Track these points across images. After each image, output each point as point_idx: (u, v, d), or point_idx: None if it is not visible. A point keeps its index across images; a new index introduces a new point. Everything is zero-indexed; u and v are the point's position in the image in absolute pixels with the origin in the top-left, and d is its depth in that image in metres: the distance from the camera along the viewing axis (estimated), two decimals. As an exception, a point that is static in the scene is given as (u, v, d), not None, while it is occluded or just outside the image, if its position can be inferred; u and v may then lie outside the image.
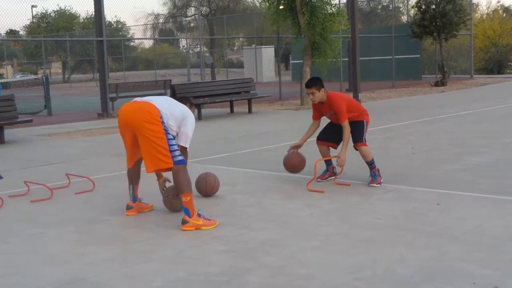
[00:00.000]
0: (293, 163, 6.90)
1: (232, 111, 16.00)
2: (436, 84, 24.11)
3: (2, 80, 33.11)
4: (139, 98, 5.68)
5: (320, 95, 6.66)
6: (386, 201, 5.94)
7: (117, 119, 5.72)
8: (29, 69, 50.74)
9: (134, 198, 5.91)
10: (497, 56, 35.14)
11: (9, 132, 12.46)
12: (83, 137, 12.07)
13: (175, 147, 5.33)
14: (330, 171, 7.06)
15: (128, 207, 5.87)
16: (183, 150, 5.54)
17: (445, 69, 24.87)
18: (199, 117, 14.37)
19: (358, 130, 6.75)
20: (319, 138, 7.03)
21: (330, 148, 7.01)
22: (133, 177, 5.94)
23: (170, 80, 18.95)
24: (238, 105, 17.08)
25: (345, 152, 6.55)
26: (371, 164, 6.71)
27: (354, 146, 6.80)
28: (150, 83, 18.97)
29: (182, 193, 5.25)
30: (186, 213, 5.21)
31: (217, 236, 4.97)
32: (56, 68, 55.15)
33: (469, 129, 10.96)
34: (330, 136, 6.94)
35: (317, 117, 6.98)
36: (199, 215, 5.25)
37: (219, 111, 16.50)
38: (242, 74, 36.31)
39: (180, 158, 5.31)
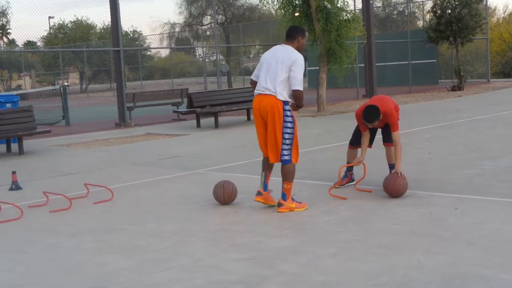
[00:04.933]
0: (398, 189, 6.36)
1: (248, 118, 16.03)
2: (453, 89, 23.98)
3: (20, 91, 33.41)
4: (260, 83, 6.06)
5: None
6: (403, 206, 5.93)
7: (253, 111, 6.23)
8: (46, 80, 51.16)
9: (265, 186, 6.21)
10: (515, 59, 34.91)
11: (27, 143, 12.59)
12: (101, 147, 12.17)
13: (286, 146, 5.94)
14: (348, 177, 7.05)
15: (258, 194, 6.17)
16: (297, 92, 5.95)
17: (462, 73, 24.73)
18: (216, 125, 14.43)
19: (389, 129, 6.73)
20: (352, 143, 6.99)
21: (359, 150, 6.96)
22: (267, 165, 6.25)
23: (187, 88, 19.04)
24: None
25: (399, 168, 6.42)
26: (393, 167, 6.67)
27: (383, 144, 6.79)
28: (167, 92, 19.08)
29: (285, 182, 5.98)
30: (283, 198, 5.95)
31: (235, 244, 4.99)
32: (73, 78, 55.58)
33: (486, 133, 10.90)
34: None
35: (365, 128, 6.74)
36: (293, 199, 6.00)
37: (236, 119, 16.55)
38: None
39: (286, 157, 5.97)
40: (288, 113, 5.97)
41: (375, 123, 6.52)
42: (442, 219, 5.37)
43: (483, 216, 5.42)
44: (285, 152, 5.98)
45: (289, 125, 5.95)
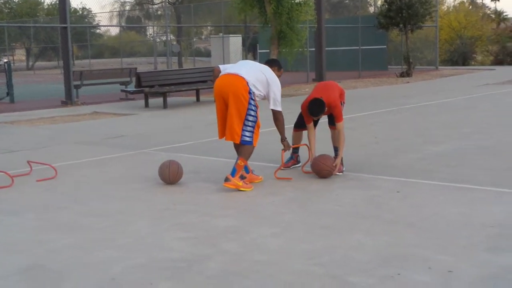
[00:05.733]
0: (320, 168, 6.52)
1: (198, 99, 15.96)
2: (402, 75, 24.35)
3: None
4: (230, 69, 6.24)
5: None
6: (347, 189, 6.02)
7: (214, 91, 6.28)
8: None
9: (246, 168, 6.24)
10: (462, 48, 35.59)
11: (-30, 119, 12.27)
12: (45, 125, 11.94)
13: (248, 128, 6.04)
14: (294, 159, 7.11)
15: (243, 177, 6.16)
16: (278, 113, 6.31)
17: (411, 60, 25.13)
18: (164, 106, 14.31)
19: (336, 111, 6.76)
20: (297, 126, 7.02)
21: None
22: (238, 150, 6.27)
23: (136, 68, 18.81)
24: (205, 94, 17.05)
25: (340, 159, 6.56)
26: (338, 150, 6.76)
27: (329, 127, 6.85)
28: (116, 71, 18.80)
29: (241, 158, 6.03)
30: (232, 173, 5.97)
31: (179, 223, 4.99)
32: (20, 55, 54.25)
33: (431, 119, 11.12)
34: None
35: (310, 121, 6.74)
36: (243, 177, 6.07)
37: (186, 100, 16.46)
38: (210, 63, 36.19)
39: (248, 139, 6.06)
40: (253, 97, 6.10)
41: (320, 116, 6.62)
42: (384, 202, 5.47)
43: (424, 199, 5.54)
44: (247, 134, 6.07)
45: (253, 108, 6.08)
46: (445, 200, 5.47)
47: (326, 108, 6.53)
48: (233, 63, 6.55)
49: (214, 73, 6.43)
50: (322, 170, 6.45)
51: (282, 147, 6.67)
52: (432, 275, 3.70)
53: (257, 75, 6.17)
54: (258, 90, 6.16)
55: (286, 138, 6.55)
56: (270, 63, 6.61)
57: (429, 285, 3.57)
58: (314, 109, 6.50)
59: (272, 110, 6.33)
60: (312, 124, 6.76)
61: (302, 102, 6.78)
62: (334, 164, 6.47)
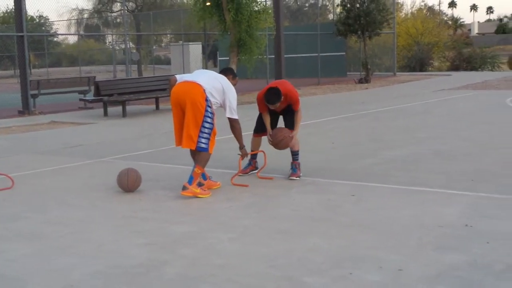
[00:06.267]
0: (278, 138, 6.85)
1: (157, 108, 15.96)
2: (360, 81, 24.69)
3: None
4: (187, 77, 6.34)
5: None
6: (304, 193, 6.14)
7: (170, 99, 6.36)
8: None
9: (203, 175, 6.34)
10: (419, 54, 36.22)
11: None
12: (2, 135, 11.82)
13: (205, 135, 6.09)
14: (252, 165, 7.21)
15: (200, 184, 6.26)
16: (234, 121, 6.41)
17: (369, 66, 25.50)
18: (123, 114, 14.27)
19: (293, 117, 6.94)
20: (256, 131, 7.13)
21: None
22: (195, 156, 6.36)
23: (95, 76, 18.70)
24: (164, 102, 17.04)
25: (296, 133, 6.87)
26: (295, 155, 6.90)
27: None
28: (74, 80, 18.67)
29: (198, 166, 6.10)
30: (189, 181, 6.04)
31: (138, 230, 5.03)
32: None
33: (388, 125, 11.35)
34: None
35: (265, 109, 6.95)
36: (200, 184, 6.17)
37: (145, 108, 16.44)
38: (170, 71, 36.11)
39: (204, 145, 6.11)
40: (210, 104, 6.17)
41: (276, 105, 6.72)
42: (340, 205, 5.61)
43: (378, 202, 5.70)
44: (203, 141, 6.12)
45: (209, 115, 6.15)
46: (399, 203, 5.64)
47: (283, 97, 6.68)
48: (190, 73, 6.61)
49: (170, 82, 6.49)
50: (280, 141, 6.75)
51: (239, 153, 6.77)
52: (383, 274, 3.84)
53: (213, 83, 6.26)
54: (215, 98, 6.25)
55: (244, 146, 6.65)
56: (225, 71, 6.72)
57: (379, 283, 3.71)
58: (271, 96, 6.68)
59: (229, 118, 6.43)
60: (267, 112, 6.94)
61: (257, 94, 6.93)
62: (290, 135, 6.75)
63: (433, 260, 4.08)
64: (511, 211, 5.26)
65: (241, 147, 6.65)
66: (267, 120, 6.95)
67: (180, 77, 6.44)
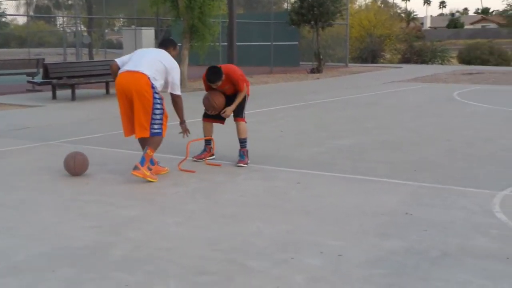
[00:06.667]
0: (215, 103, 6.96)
1: (108, 92, 15.81)
2: (312, 71, 24.91)
3: None
4: (129, 66, 6.23)
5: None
6: (251, 180, 6.23)
7: (116, 90, 6.33)
8: None
9: (151, 161, 6.30)
10: (372, 46, 36.72)
11: None
12: None
13: (157, 121, 6.12)
14: (207, 151, 7.23)
15: (149, 168, 6.20)
16: (177, 97, 6.40)
17: (321, 56, 25.72)
18: (72, 98, 14.10)
19: (241, 104, 7.00)
20: (206, 116, 7.17)
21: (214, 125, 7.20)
22: (144, 143, 6.35)
23: (44, 58, 18.38)
24: (114, 87, 16.88)
25: (233, 108, 6.91)
26: (243, 142, 6.96)
27: (234, 120, 7.03)
28: (22, 62, 18.30)
29: (150, 148, 6.11)
30: (141, 162, 6.04)
31: (84, 213, 5.04)
32: None
33: (336, 114, 11.53)
34: (217, 114, 7.10)
35: (209, 89, 7.05)
36: (149, 169, 6.13)
37: (95, 92, 16.25)
38: (122, 55, 35.66)
39: (157, 131, 6.15)
40: (156, 91, 6.16)
41: (218, 83, 6.81)
42: (285, 192, 5.71)
43: (322, 190, 5.83)
44: (156, 126, 6.16)
45: (158, 101, 6.16)
46: (342, 191, 5.78)
47: (224, 76, 6.78)
48: (129, 55, 6.51)
49: (112, 69, 6.44)
50: (209, 106, 6.91)
51: (187, 139, 6.80)
52: (323, 259, 3.96)
53: (156, 66, 6.21)
54: (159, 81, 6.23)
55: (184, 121, 6.70)
56: (165, 45, 6.59)
57: (319, 267, 3.82)
58: (211, 76, 6.79)
59: (171, 94, 6.43)
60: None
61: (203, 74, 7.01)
62: (224, 112, 6.93)
63: (374, 246, 4.21)
64: (449, 200, 5.45)
65: (182, 122, 6.68)
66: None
67: (121, 63, 6.39)
